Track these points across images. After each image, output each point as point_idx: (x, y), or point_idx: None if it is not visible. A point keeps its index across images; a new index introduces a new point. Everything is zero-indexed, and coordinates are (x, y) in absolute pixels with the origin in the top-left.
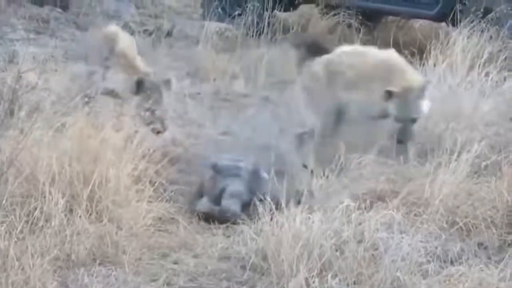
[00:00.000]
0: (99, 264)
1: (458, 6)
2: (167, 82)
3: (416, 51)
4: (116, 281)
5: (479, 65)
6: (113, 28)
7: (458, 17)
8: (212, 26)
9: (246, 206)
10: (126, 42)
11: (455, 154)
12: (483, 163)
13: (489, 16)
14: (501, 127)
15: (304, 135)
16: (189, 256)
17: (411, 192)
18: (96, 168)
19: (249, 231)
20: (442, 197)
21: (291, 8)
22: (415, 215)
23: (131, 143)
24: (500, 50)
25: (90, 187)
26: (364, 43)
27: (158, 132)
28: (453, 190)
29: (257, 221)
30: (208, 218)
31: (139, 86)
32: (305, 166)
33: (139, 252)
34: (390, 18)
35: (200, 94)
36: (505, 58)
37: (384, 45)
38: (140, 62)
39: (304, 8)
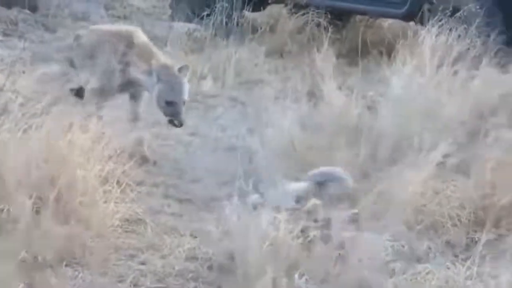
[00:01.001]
0: (66, 265)
1: (426, 5)
2: (184, 68)
3: (384, 51)
4: (83, 282)
5: (447, 64)
6: (129, 26)
7: (427, 16)
8: (181, 26)
9: None
10: (143, 37)
11: (423, 153)
12: (450, 162)
13: (457, 15)
14: (469, 126)
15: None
16: (157, 256)
17: (378, 191)
18: (64, 170)
19: (216, 232)
20: (409, 196)
21: (261, 8)
22: (382, 213)
23: (98, 144)
24: (469, 49)
25: (57, 188)
26: (333, 42)
27: (175, 125)
28: (420, 188)
29: (224, 221)
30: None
31: (158, 77)
32: None
33: (106, 253)
34: (359, 17)
35: None
36: (473, 57)
37: (353, 44)
38: (160, 55)
39: (273, 8)
